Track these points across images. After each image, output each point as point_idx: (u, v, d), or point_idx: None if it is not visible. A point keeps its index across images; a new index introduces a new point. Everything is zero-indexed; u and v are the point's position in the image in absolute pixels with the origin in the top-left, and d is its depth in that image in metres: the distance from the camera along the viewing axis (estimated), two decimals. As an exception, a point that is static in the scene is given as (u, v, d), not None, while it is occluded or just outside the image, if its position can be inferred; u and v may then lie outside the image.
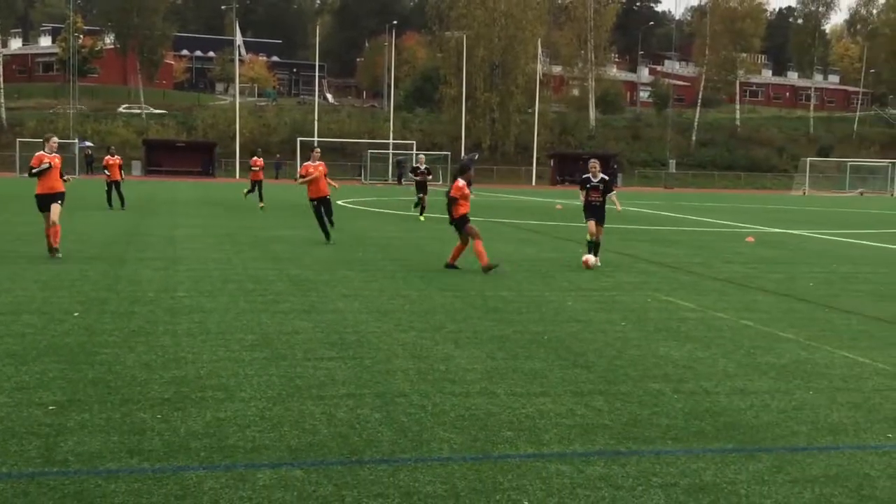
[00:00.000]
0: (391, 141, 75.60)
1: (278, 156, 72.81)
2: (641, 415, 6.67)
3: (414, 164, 29.79)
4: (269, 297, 11.65)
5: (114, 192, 28.88)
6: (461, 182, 15.14)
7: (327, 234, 18.81)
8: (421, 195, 27.99)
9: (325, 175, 19.09)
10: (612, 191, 16.09)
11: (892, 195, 71.21)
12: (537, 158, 78.01)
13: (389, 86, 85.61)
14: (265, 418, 6.25)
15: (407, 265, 15.55)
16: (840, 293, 13.74)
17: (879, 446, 6.12)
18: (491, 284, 13.44)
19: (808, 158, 77.31)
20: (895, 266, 18.36)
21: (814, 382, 7.83)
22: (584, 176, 16.07)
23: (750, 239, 22.98)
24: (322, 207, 18.89)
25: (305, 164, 19.84)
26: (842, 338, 9.99)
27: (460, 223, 15.07)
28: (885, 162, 78.06)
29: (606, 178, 15.91)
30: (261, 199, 30.73)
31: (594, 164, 16.08)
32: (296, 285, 12.78)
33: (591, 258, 15.48)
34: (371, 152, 74.32)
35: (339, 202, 29.35)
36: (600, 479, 5.29)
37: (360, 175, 72.37)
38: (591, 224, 15.74)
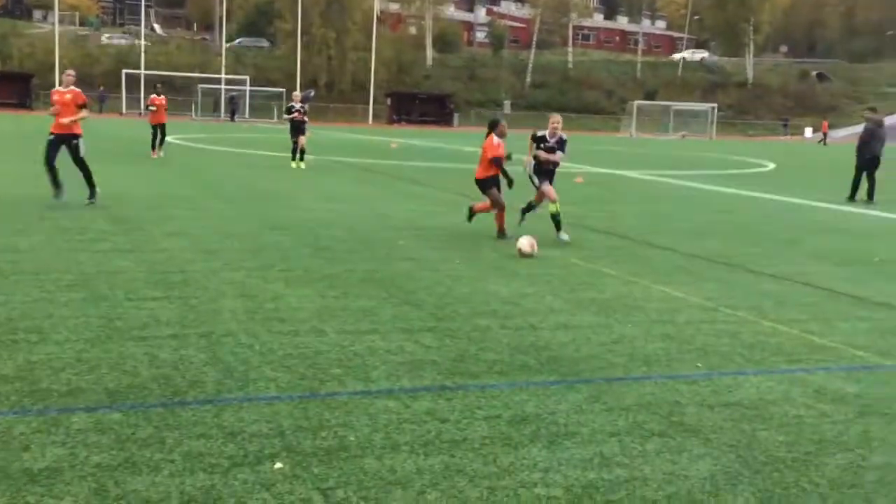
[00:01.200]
0: (223, 76, 73.28)
1: (101, 88, 69.57)
2: (469, 350, 6.78)
3: (289, 103, 25.31)
4: (88, 235, 11.14)
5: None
6: (496, 140, 12.49)
7: (58, 186, 14.24)
8: (296, 139, 24.32)
9: (82, 106, 14.33)
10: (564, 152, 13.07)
11: (710, 138, 74.70)
12: (374, 97, 77.52)
13: (221, 18, 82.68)
14: (82, 360, 5.99)
15: (237, 204, 15.20)
16: (660, 231, 14.35)
17: (689, 375, 6.45)
18: (324, 224, 13.32)
19: (635, 102, 79.92)
20: (712, 205, 19.32)
21: (632, 316, 8.17)
22: (539, 133, 13.04)
23: (579, 179, 23.63)
24: (63, 147, 14.26)
25: (54, 90, 15.11)
26: (659, 273, 10.44)
27: (486, 185, 12.69)
28: (705, 106, 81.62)
29: (565, 137, 13.00)
30: (154, 147, 26.06)
31: (557, 120, 12.94)
32: (118, 224, 12.28)
33: (524, 243, 11.15)
34: (202, 87, 71.82)
35: (168, 139, 28.23)
36: (427, 413, 5.36)
37: (190, 111, 69.93)
38: (550, 189, 12.93)
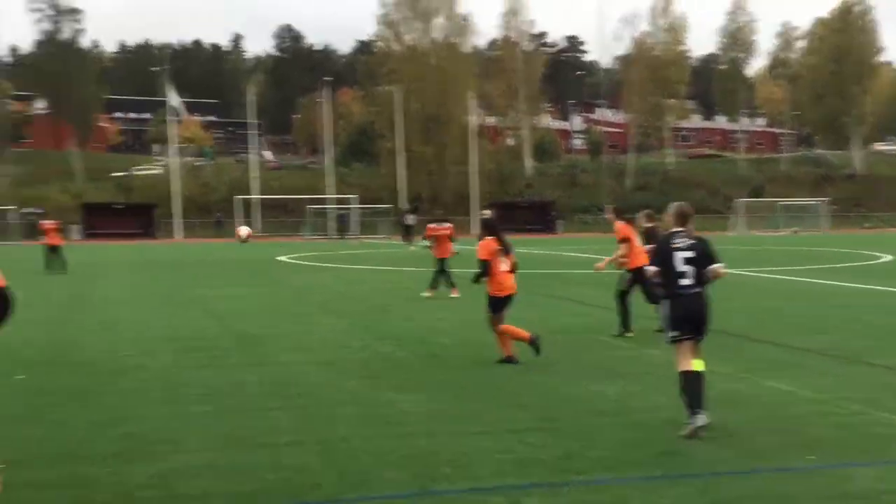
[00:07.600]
0: (332, 196, 75.77)
1: (218, 214, 73.15)
2: (574, 448, 6.95)
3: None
4: (214, 353, 11.75)
5: (55, 256, 28.63)
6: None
7: None
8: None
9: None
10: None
11: (822, 232, 73.08)
12: (476, 208, 78.84)
13: (327, 141, 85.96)
14: (212, 467, 6.40)
15: (346, 317, 15.73)
16: (771, 327, 14.20)
17: (802, 468, 6.46)
18: (433, 332, 13.68)
19: (742, 199, 79.14)
20: (825, 299, 18.95)
21: (740, 411, 8.19)
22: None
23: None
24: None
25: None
26: (769, 369, 10.40)
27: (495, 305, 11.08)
28: (814, 200, 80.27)
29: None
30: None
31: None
32: (240, 341, 12.90)
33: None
34: (311, 208, 74.27)
35: (280, 258, 29.41)
36: (536, 508, 5.55)
37: (300, 231, 72.25)
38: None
